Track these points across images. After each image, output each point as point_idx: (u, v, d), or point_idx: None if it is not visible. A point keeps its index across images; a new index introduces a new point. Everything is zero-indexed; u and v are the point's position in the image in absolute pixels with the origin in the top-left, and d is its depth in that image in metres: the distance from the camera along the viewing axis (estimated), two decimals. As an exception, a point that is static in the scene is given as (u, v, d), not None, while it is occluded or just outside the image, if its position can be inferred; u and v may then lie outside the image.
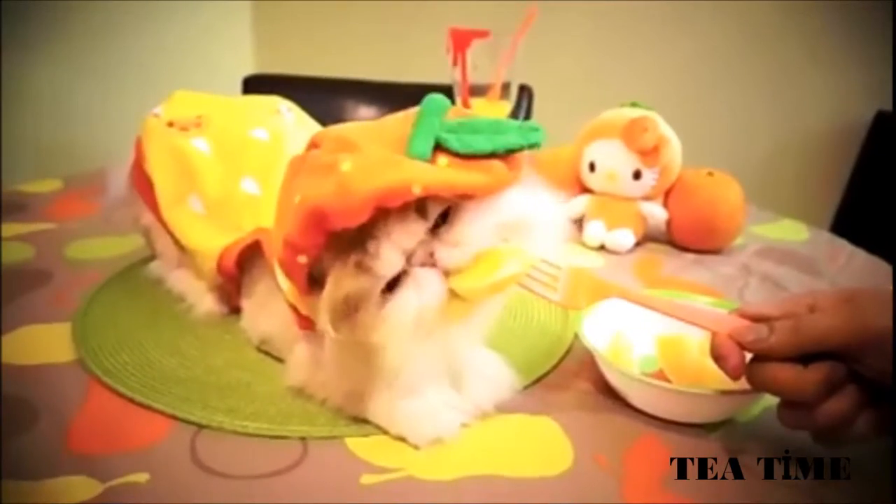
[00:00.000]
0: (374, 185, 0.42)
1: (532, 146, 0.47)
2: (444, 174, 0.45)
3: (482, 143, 0.46)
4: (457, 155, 0.46)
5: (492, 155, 0.46)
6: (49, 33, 1.55)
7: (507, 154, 0.47)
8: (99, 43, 1.68)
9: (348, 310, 0.46)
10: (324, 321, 0.46)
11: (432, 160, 0.46)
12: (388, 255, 0.45)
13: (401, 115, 0.49)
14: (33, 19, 1.51)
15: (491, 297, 0.48)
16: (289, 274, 0.47)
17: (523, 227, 0.48)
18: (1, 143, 1.44)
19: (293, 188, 0.46)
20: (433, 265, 0.46)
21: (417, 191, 0.43)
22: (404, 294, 0.45)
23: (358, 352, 0.47)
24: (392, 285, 0.46)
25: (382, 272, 0.45)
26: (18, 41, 1.48)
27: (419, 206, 0.45)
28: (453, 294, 0.46)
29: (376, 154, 0.45)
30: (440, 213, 0.46)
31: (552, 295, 0.52)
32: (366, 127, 0.49)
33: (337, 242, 0.45)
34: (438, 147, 0.46)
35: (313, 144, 0.49)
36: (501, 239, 0.47)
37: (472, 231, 0.46)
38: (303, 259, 0.45)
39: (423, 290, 0.46)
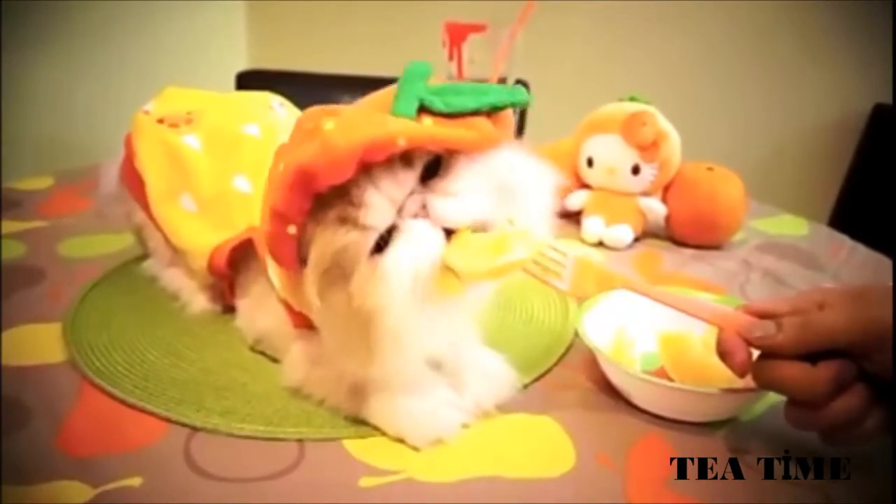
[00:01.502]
0: (358, 137, 0.41)
1: (516, 104, 0.47)
2: (429, 128, 0.44)
3: (466, 102, 0.45)
4: (441, 115, 0.45)
5: (476, 113, 0.46)
6: (48, 32, 1.54)
7: (492, 112, 0.46)
8: (97, 41, 1.67)
9: (336, 274, 0.44)
10: (311, 291, 0.44)
11: (417, 121, 0.45)
12: (376, 202, 0.43)
13: (385, 89, 0.48)
14: (33, 19, 1.50)
15: (495, 280, 0.47)
16: (278, 252, 0.46)
17: (516, 186, 0.47)
18: (1, 142, 1.43)
19: (278, 164, 0.45)
20: (426, 217, 0.44)
21: (402, 143, 0.42)
22: (398, 247, 0.44)
23: (354, 329, 0.45)
24: (383, 246, 0.44)
25: (371, 222, 0.43)
26: (18, 41, 1.47)
27: (405, 159, 0.44)
28: (450, 271, 0.44)
29: (359, 112, 0.44)
30: (429, 163, 0.45)
31: (558, 283, 0.51)
32: (351, 104, 0.48)
33: (322, 210, 0.43)
34: (423, 110, 0.45)
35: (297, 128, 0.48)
36: (498, 203, 0.46)
37: (466, 182, 0.45)
38: (292, 229, 0.44)
39: (417, 242, 0.44)
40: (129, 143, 0.68)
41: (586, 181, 0.91)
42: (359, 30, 2.07)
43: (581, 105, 0.94)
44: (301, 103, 0.75)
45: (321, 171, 0.41)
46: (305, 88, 1.03)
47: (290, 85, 0.89)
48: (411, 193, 0.44)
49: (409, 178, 0.44)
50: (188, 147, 0.65)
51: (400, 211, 0.44)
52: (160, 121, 0.68)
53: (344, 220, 0.43)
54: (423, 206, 0.44)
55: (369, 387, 0.51)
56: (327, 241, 0.44)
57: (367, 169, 0.43)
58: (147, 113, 0.69)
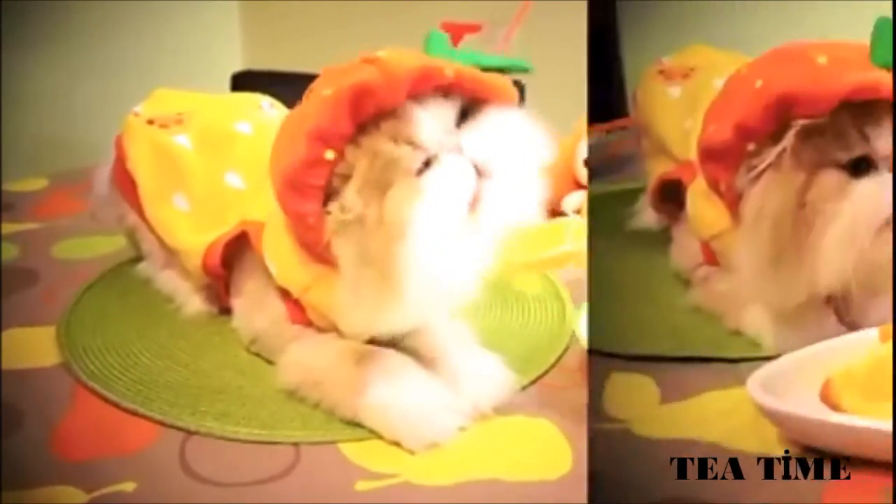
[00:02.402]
0: (414, 62, 0.47)
1: (522, 70, 0.55)
2: (469, 68, 0.50)
3: (487, 61, 0.52)
4: None
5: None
6: (47, 32, 1.54)
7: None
8: (95, 42, 1.67)
9: (371, 193, 0.47)
10: (352, 192, 0.47)
11: None
12: (428, 123, 0.47)
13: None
14: (32, 19, 1.50)
15: (548, 271, 0.48)
16: (303, 185, 0.47)
17: (525, 143, 0.52)
18: (1, 142, 1.42)
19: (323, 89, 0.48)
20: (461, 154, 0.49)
21: (450, 74, 0.47)
22: (438, 170, 0.48)
23: (376, 251, 0.47)
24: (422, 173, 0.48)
25: (423, 140, 0.47)
26: (18, 41, 1.47)
27: (444, 96, 0.49)
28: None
29: (407, 49, 0.50)
30: (461, 108, 0.49)
31: None
32: None
33: (367, 132, 0.47)
34: None
35: (310, 90, 0.51)
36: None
37: (493, 127, 0.50)
38: (330, 154, 0.46)
39: (455, 172, 0.48)
40: (119, 146, 0.68)
41: (582, 182, 0.90)
42: (354, 30, 2.07)
43: (577, 105, 0.94)
44: (297, 104, 0.75)
45: (380, 89, 0.45)
46: (301, 89, 1.02)
47: (285, 85, 0.88)
48: (449, 131, 0.49)
49: (452, 112, 0.49)
50: (179, 146, 0.65)
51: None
52: (150, 122, 0.68)
53: (396, 139, 0.47)
54: (458, 146, 0.49)
55: (369, 369, 0.51)
56: (379, 151, 0.47)
57: (414, 98, 0.47)
58: (137, 115, 0.69)
